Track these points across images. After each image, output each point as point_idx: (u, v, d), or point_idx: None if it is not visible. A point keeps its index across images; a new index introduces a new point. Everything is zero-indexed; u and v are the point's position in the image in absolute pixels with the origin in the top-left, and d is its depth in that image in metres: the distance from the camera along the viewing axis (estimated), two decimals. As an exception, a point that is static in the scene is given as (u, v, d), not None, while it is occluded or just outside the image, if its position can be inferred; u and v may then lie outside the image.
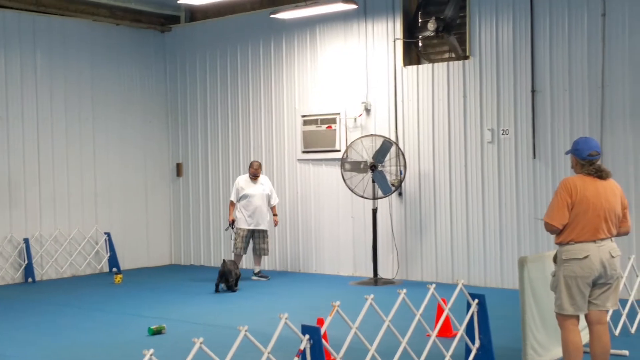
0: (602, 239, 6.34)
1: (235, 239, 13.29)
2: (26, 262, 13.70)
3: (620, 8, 10.90)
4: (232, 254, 13.38)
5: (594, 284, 6.38)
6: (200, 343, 5.35)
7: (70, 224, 14.49)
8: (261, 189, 13.25)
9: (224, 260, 12.29)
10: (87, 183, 14.77)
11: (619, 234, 6.55)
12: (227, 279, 12.13)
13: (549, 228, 6.44)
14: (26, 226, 13.90)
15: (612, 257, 6.35)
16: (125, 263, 15.07)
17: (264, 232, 13.33)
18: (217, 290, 12.16)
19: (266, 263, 14.51)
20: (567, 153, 6.80)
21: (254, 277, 13.34)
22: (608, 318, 6.97)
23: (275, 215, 13.50)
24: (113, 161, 15.21)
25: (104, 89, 15.09)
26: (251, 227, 13.21)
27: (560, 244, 6.44)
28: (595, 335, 6.47)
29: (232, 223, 13.30)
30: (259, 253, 13.39)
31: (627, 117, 10.89)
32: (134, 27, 15.53)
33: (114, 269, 14.61)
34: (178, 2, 12.54)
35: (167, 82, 16.14)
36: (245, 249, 13.28)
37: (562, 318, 6.44)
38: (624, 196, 6.59)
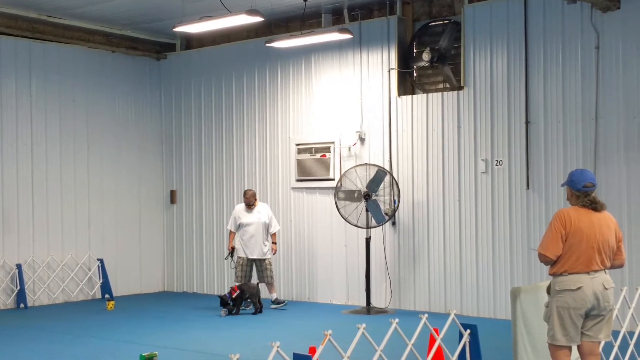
0: (596, 271, 6.36)
1: (236, 268, 13.16)
2: (18, 287, 13.64)
3: (614, 41, 10.99)
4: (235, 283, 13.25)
5: (587, 316, 6.39)
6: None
7: (63, 250, 14.45)
8: (257, 218, 13.07)
9: (253, 284, 12.81)
10: (81, 209, 14.76)
11: (613, 267, 6.57)
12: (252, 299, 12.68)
13: (543, 259, 6.47)
14: (19, 252, 13.86)
15: (606, 289, 6.37)
16: (117, 289, 15.01)
17: (262, 260, 13.11)
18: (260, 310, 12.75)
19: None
20: (563, 185, 6.85)
21: (273, 306, 13.20)
22: (600, 349, 6.96)
23: (274, 243, 13.27)
24: (107, 187, 15.21)
25: (98, 115, 15.12)
26: (249, 257, 13.08)
27: (553, 274, 6.46)
28: None
29: (232, 251, 13.19)
30: (265, 281, 13.18)
31: (620, 149, 10.94)
32: (130, 54, 15.59)
33: (107, 296, 14.55)
34: (174, 30, 12.58)
35: (162, 109, 16.18)
36: (245, 278, 13.02)
37: (555, 349, 6.45)
38: (619, 229, 6.62)
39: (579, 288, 6.30)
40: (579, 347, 6.52)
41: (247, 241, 13.04)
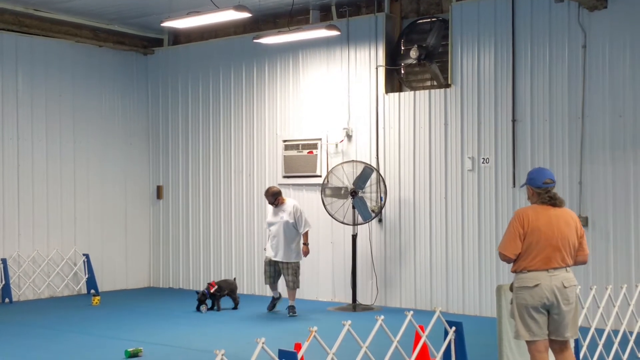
0: (555, 268, 6.42)
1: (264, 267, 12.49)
2: (3, 282, 13.58)
3: (601, 40, 11.03)
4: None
5: (550, 314, 6.45)
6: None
7: (48, 244, 14.39)
8: (279, 217, 12.19)
9: (231, 280, 13.02)
10: (67, 204, 14.69)
11: (576, 263, 6.62)
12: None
13: (503, 258, 6.59)
14: (4, 246, 13.78)
15: (565, 287, 6.40)
16: (103, 285, 14.95)
17: (286, 263, 12.16)
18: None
19: (244, 287, 14.47)
20: (522, 186, 6.94)
21: (290, 314, 12.22)
22: (572, 345, 6.99)
23: (304, 244, 12.25)
24: (93, 182, 15.14)
25: (85, 110, 15.05)
26: (272, 258, 12.25)
27: (514, 272, 6.58)
28: None
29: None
30: (287, 286, 12.28)
31: (606, 147, 10.98)
32: (117, 49, 15.53)
33: (92, 291, 14.49)
34: (161, 25, 12.54)
35: (149, 104, 16.13)
36: (270, 279, 12.29)
37: (528, 344, 6.56)
38: (581, 225, 6.66)
39: (536, 285, 6.38)
40: (550, 346, 6.58)
41: (271, 242, 12.25)
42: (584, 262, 6.70)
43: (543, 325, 6.45)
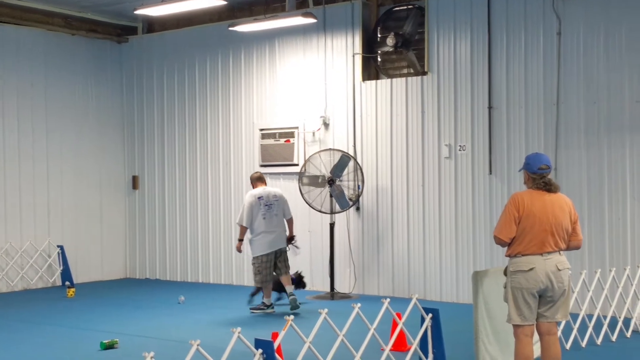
0: (549, 252, 6.49)
1: None
2: (-24, 275, 13.46)
3: (576, 27, 11.05)
4: None
5: (542, 297, 6.51)
6: (151, 358, 5.26)
7: (22, 236, 14.23)
8: None
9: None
10: (40, 195, 14.53)
11: (569, 248, 6.68)
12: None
13: (498, 241, 6.65)
14: (-23, 238, 13.66)
15: (559, 270, 6.49)
16: (78, 277, 14.82)
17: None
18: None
19: (222, 277, 14.42)
20: (519, 170, 6.99)
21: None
22: (560, 330, 7.04)
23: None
24: (67, 173, 14.98)
25: (58, 100, 14.87)
26: None
27: (509, 256, 6.64)
28: (545, 345, 6.65)
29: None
30: None
31: (581, 133, 11.03)
32: (90, 37, 15.36)
33: (67, 283, 14.34)
34: (135, 12, 12.43)
35: (123, 93, 15.98)
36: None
37: (515, 328, 6.60)
38: (575, 210, 6.71)
39: (531, 269, 6.45)
40: (537, 328, 6.62)
41: None
42: (577, 247, 6.79)
43: (534, 310, 6.54)
